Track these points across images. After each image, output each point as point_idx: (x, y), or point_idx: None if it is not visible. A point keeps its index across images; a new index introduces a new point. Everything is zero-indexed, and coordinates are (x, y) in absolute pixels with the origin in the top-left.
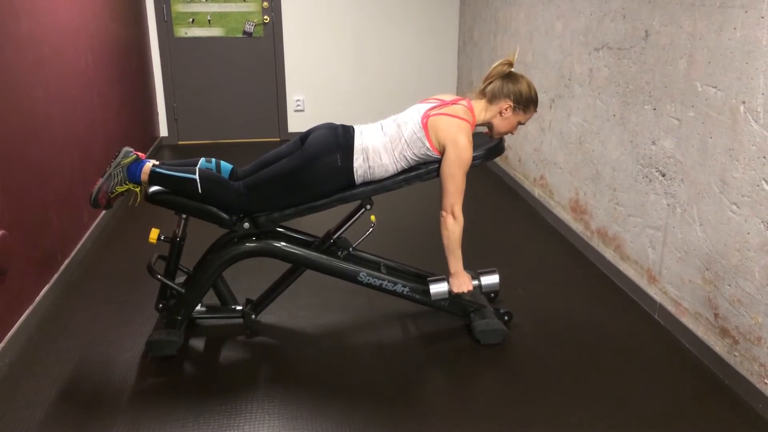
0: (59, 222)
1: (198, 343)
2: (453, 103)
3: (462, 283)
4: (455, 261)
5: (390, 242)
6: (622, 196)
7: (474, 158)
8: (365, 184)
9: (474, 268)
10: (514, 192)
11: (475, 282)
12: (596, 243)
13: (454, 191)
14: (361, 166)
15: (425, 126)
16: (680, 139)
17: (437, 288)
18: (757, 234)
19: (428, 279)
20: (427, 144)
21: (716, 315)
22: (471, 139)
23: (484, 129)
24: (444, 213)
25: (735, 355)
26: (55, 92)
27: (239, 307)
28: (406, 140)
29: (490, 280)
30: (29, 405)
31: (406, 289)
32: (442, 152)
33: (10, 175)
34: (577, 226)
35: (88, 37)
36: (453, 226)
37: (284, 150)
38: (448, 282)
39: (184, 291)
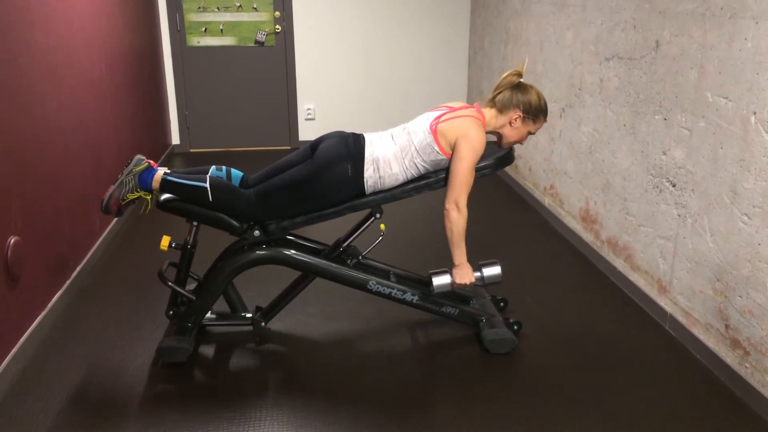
0: (71, 229)
1: (208, 350)
2: (461, 109)
3: (464, 274)
4: (459, 253)
5: (400, 250)
6: (632, 206)
7: (484, 167)
8: (375, 193)
9: None
10: (524, 201)
11: (477, 273)
12: (606, 253)
13: (462, 184)
14: (371, 177)
15: (434, 132)
16: (691, 149)
17: (439, 280)
18: None
19: (430, 272)
20: (437, 148)
21: (727, 326)
22: (483, 132)
23: (494, 138)
24: (448, 205)
25: (746, 367)
26: (68, 100)
27: (249, 315)
28: (416, 148)
29: (492, 271)
30: (40, 410)
31: (416, 298)
32: (453, 152)
33: (23, 182)
34: (587, 236)
35: (102, 47)
36: (457, 219)
37: (294, 158)
38: (451, 274)
39: (194, 298)
